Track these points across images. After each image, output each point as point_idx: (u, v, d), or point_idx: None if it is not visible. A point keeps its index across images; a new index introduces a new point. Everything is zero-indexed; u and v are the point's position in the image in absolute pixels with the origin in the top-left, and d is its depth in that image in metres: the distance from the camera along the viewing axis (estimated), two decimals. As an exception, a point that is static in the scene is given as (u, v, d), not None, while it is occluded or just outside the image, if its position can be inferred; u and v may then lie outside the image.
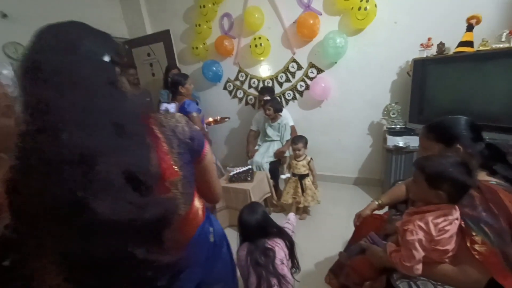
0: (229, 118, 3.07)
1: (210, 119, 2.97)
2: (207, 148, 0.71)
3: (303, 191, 2.21)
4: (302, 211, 2.34)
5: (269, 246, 1.12)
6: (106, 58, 0.51)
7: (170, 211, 0.50)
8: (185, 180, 0.62)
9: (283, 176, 2.33)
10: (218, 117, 3.00)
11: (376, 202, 1.29)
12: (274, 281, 1.05)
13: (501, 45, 1.74)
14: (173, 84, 2.49)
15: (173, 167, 0.59)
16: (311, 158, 2.24)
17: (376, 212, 1.32)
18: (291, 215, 1.45)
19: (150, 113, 0.60)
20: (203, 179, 0.74)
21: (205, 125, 2.73)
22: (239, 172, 2.22)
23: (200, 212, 0.74)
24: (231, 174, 2.23)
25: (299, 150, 2.17)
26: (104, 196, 0.40)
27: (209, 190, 0.78)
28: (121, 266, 0.44)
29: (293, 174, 2.25)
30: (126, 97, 0.51)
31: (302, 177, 2.21)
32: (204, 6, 2.91)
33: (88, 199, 0.39)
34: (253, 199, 2.03)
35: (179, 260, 0.51)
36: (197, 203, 0.73)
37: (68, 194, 0.39)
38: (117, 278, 0.45)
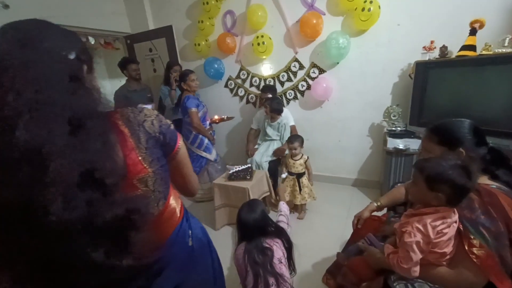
0: (234, 117, 3.07)
1: (216, 117, 2.90)
2: (180, 142, 0.69)
3: (300, 189, 2.24)
4: (301, 210, 2.35)
5: (267, 245, 1.12)
6: (71, 55, 0.50)
7: (136, 210, 0.48)
8: (156, 177, 0.60)
9: (283, 175, 2.35)
10: (225, 116, 2.94)
11: (375, 204, 1.29)
12: (272, 280, 1.05)
13: (504, 50, 1.74)
14: (178, 81, 2.60)
15: (141, 163, 0.57)
16: (308, 157, 2.28)
17: (375, 213, 1.32)
18: (282, 205, 1.43)
19: (115, 109, 0.58)
20: (178, 173, 0.72)
21: (207, 122, 2.71)
22: (239, 171, 2.22)
23: (178, 211, 0.72)
24: (231, 172, 2.23)
25: (295, 149, 2.21)
26: (57, 196, 0.38)
27: (185, 184, 0.77)
28: (82, 270, 0.43)
29: (290, 173, 2.29)
30: (90, 94, 0.50)
31: (299, 175, 2.25)
32: (207, 3, 2.90)
33: (40, 199, 0.37)
34: (252, 198, 2.03)
35: (151, 263, 0.49)
36: (174, 202, 0.71)
37: (19, 194, 0.37)
38: (81, 282, 0.43)
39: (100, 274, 0.44)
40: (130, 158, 0.55)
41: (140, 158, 0.57)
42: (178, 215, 0.72)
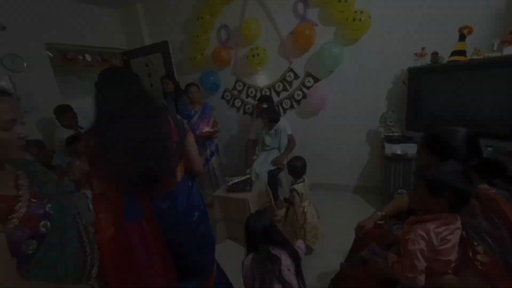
0: (218, 130, 2.85)
1: (206, 130, 2.72)
2: (189, 134, 1.21)
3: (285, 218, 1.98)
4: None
5: (276, 254, 1.12)
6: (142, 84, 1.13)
7: (170, 156, 1.09)
8: (179, 143, 1.15)
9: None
10: (212, 130, 2.74)
11: (379, 213, 1.28)
12: (278, 286, 1.04)
13: (493, 54, 1.78)
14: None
15: (175, 134, 1.13)
16: (293, 188, 1.84)
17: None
18: (300, 242, 1.36)
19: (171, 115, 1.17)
20: (188, 153, 1.22)
21: (197, 132, 2.68)
22: (238, 182, 2.20)
23: (179, 174, 1.17)
24: (230, 183, 2.21)
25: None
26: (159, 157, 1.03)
27: (191, 164, 1.24)
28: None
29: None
30: (156, 104, 1.16)
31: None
32: (202, 18, 2.97)
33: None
34: (252, 209, 2.01)
35: (171, 190, 1.12)
36: (179, 170, 1.18)
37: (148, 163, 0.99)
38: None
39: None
40: (172, 132, 1.12)
41: (175, 133, 1.13)
42: (180, 177, 1.18)
